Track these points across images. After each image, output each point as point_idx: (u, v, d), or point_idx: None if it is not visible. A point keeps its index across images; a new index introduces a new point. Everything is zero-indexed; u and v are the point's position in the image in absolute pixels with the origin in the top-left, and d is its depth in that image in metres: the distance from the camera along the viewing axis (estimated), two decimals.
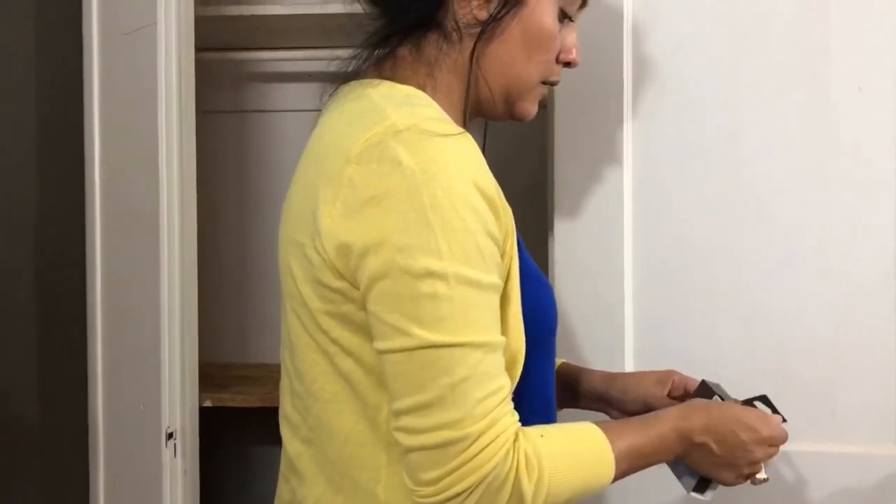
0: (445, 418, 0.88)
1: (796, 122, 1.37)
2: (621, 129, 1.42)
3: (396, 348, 0.89)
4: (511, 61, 1.02)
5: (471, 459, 0.88)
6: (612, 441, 0.96)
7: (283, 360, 1.06)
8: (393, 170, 0.89)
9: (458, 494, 0.88)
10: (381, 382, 0.94)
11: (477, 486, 0.88)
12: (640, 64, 1.41)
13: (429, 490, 0.89)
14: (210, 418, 1.77)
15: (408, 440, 0.90)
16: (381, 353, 0.91)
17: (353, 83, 1.03)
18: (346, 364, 0.96)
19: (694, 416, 1.01)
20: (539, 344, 1.02)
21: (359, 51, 1.05)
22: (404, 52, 1.03)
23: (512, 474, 0.89)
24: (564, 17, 1.06)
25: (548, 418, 1.07)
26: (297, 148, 2.36)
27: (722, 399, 1.12)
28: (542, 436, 0.93)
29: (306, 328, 0.98)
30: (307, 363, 0.99)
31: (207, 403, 1.80)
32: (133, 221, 1.56)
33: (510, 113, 1.06)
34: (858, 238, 1.35)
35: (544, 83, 1.06)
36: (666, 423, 1.00)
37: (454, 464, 0.88)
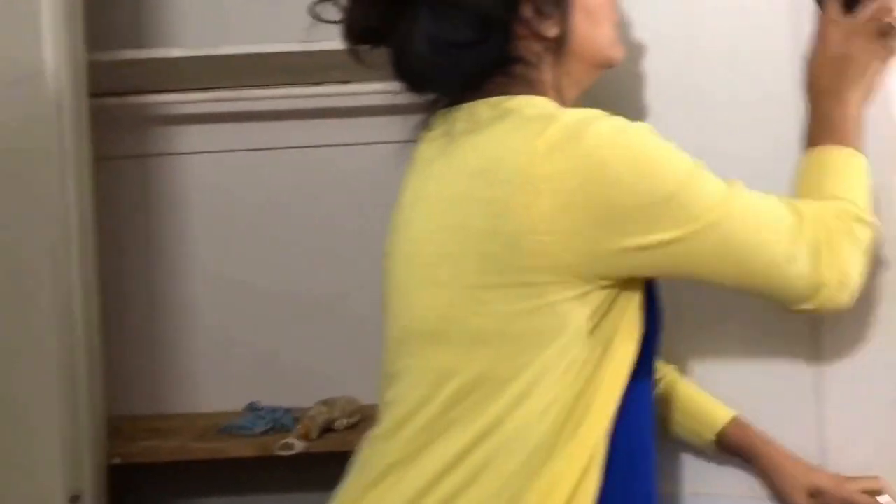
0: (793, 235, 0.95)
1: None
2: None
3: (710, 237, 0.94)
4: (588, 40, 1.04)
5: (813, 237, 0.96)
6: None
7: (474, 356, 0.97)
8: (612, 138, 0.93)
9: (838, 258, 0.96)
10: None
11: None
12: None
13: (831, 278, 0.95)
14: (119, 476, 1.70)
15: (809, 276, 0.95)
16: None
17: (464, 105, 1.01)
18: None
19: None
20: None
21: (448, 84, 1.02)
22: (499, 78, 1.02)
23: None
24: None
25: (643, 445, 1.05)
26: (202, 190, 2.30)
27: None
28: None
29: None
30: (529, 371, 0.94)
31: (117, 461, 1.73)
32: (34, 272, 1.51)
33: (605, 67, 1.08)
34: None
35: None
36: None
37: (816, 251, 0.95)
